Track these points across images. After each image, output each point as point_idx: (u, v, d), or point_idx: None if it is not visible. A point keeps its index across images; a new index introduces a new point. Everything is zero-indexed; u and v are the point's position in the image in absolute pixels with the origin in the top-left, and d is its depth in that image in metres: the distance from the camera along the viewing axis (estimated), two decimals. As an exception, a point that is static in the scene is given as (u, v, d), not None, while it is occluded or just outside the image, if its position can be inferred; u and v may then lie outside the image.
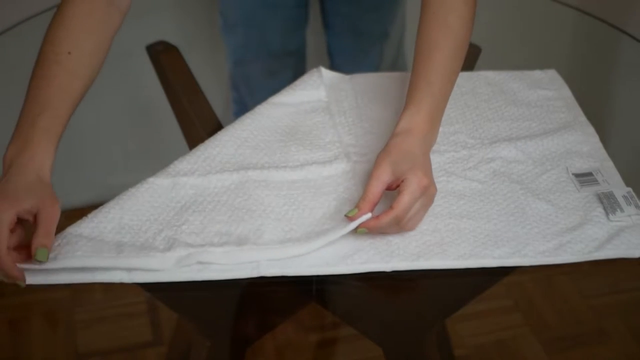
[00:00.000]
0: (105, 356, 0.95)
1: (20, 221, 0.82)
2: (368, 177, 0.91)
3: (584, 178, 1.00)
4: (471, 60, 1.30)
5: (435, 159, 1.02)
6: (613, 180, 1.00)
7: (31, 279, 0.85)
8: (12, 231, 0.81)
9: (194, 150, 1.02)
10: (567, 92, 1.15)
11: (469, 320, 0.96)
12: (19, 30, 1.31)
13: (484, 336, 0.97)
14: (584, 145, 1.05)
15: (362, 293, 0.93)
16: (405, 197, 0.87)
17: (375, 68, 1.46)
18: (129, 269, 0.86)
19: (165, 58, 1.31)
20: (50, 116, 0.87)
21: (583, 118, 1.10)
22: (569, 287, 0.98)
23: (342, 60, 1.49)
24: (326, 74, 1.14)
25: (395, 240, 0.91)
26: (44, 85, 0.89)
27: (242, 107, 1.44)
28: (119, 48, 1.46)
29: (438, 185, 0.96)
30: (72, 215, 0.94)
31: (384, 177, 0.88)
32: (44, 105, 0.88)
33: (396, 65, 1.50)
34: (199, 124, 1.21)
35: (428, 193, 0.89)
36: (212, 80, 1.37)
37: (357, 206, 0.88)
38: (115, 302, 0.96)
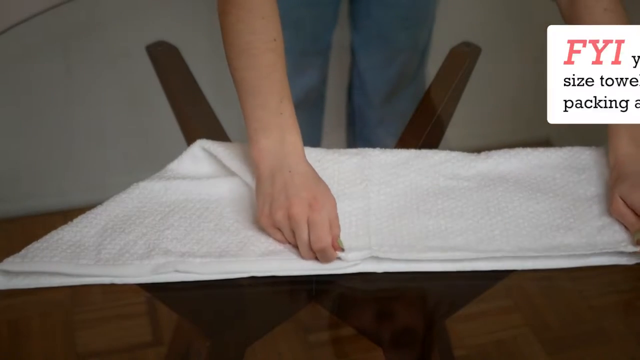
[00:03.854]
0: (105, 356, 0.95)
1: None
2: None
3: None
4: (471, 60, 1.30)
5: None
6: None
7: (5, 284, 0.85)
8: None
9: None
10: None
11: (469, 320, 0.96)
12: (19, 30, 1.31)
13: (484, 336, 0.97)
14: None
15: (362, 293, 0.93)
16: None
17: (398, 75, 1.46)
18: (105, 276, 0.86)
19: (165, 58, 1.31)
20: (289, 101, 0.92)
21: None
22: (569, 287, 0.98)
23: (366, 65, 1.48)
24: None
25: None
26: (267, 74, 0.92)
27: None
28: (119, 48, 1.46)
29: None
30: (72, 215, 0.94)
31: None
32: (280, 91, 0.92)
33: (417, 76, 1.49)
34: (198, 124, 1.21)
35: None
36: (212, 80, 1.37)
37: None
38: (115, 302, 0.96)
